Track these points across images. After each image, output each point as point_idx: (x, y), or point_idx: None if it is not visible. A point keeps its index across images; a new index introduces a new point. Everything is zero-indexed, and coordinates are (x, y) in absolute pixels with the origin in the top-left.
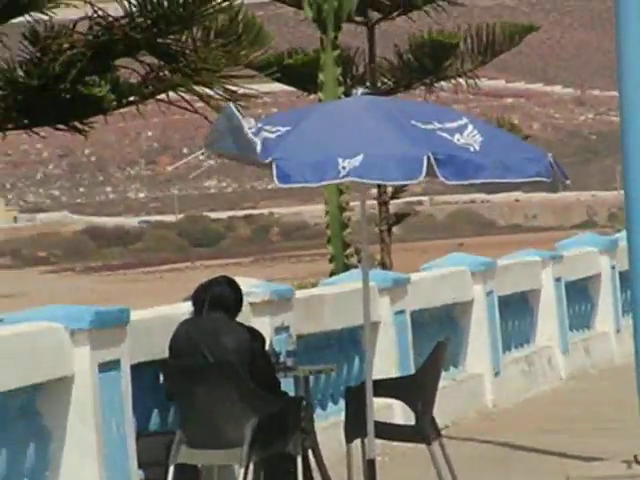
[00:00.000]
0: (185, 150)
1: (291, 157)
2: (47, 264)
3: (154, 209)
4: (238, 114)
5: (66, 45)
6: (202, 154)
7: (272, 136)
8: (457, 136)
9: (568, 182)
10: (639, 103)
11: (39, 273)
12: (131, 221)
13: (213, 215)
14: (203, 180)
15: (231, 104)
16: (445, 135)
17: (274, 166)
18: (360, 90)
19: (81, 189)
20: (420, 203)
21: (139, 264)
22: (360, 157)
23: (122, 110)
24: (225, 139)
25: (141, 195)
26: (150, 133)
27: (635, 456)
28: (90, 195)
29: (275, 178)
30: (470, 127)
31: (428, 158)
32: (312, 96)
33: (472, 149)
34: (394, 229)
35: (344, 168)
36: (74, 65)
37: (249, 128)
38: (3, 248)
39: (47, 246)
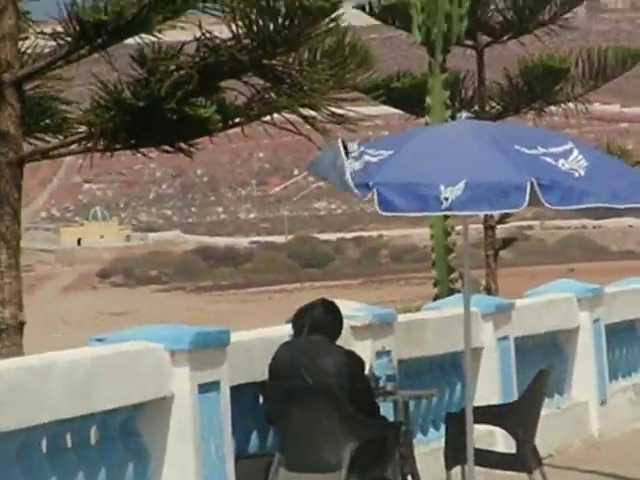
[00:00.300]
0: (296, 172)
1: (393, 182)
2: (158, 283)
3: (264, 230)
4: (344, 155)
5: (173, 67)
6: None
7: (374, 160)
8: (562, 161)
9: None
10: None
11: (150, 292)
12: (241, 241)
13: (322, 237)
14: (312, 201)
15: (339, 140)
16: (549, 160)
17: (375, 192)
18: (465, 114)
19: (193, 209)
20: (531, 227)
21: (248, 284)
22: (462, 184)
23: (231, 132)
24: (328, 171)
25: (251, 216)
26: (261, 154)
27: None
28: (201, 215)
29: (377, 205)
30: (575, 152)
31: (532, 184)
32: (421, 119)
33: (577, 174)
34: (504, 253)
35: (446, 199)
36: (181, 86)
37: (352, 152)
38: (116, 266)
39: (159, 265)
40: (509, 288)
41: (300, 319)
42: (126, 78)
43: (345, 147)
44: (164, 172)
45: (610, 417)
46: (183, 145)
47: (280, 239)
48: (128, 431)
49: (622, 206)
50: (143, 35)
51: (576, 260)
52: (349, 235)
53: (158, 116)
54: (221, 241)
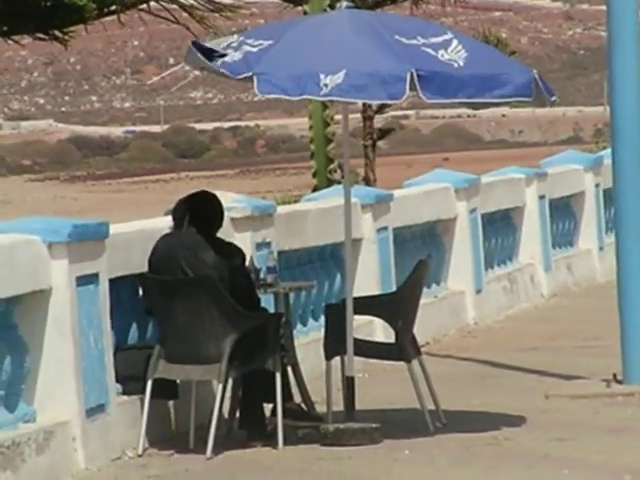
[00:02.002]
0: (171, 60)
1: (273, 71)
2: (32, 172)
3: (139, 119)
4: (200, 55)
5: None
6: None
7: (254, 50)
8: (441, 52)
9: (554, 99)
10: (627, 18)
11: (24, 181)
12: (116, 131)
13: (198, 126)
14: (189, 91)
15: (191, 45)
16: (429, 50)
17: (255, 77)
18: (344, 3)
19: (66, 97)
20: (406, 117)
21: (124, 174)
22: (342, 73)
23: (105, 19)
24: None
25: (126, 105)
26: (136, 42)
27: (614, 374)
28: (75, 104)
29: (255, 88)
30: (455, 42)
31: (411, 74)
32: (299, 8)
33: (456, 65)
34: (379, 143)
35: (326, 85)
36: None
37: (231, 42)
38: None
39: (32, 154)
40: (386, 178)
41: (180, 211)
42: None
43: (203, 51)
44: (36, 60)
45: (485, 305)
46: (57, 33)
47: (156, 128)
48: (5, 324)
49: (497, 101)
50: None
51: (451, 149)
52: (225, 125)
53: (31, 4)
54: (96, 130)
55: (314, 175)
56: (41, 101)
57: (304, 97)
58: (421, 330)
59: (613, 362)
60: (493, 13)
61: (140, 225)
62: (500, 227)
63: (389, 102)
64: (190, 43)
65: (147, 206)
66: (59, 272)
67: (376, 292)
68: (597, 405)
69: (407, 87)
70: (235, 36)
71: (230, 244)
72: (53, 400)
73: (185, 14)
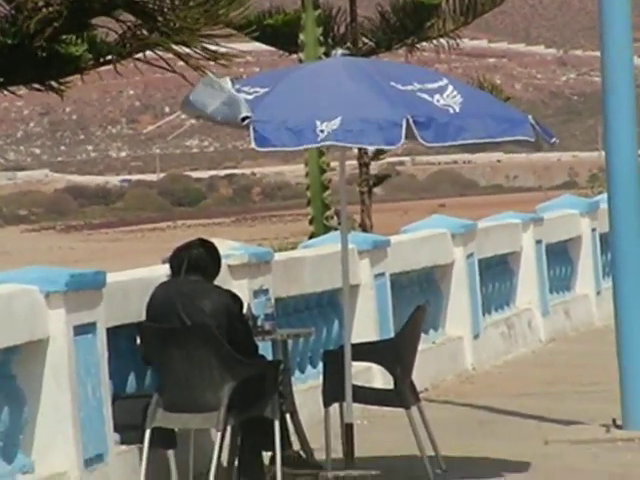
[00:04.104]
0: (167, 109)
1: (268, 120)
2: (28, 223)
3: (135, 168)
4: (217, 79)
5: (41, 3)
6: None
7: (250, 97)
8: (437, 97)
9: (554, 140)
10: (621, 63)
11: (20, 232)
12: (112, 180)
13: (195, 174)
14: (184, 139)
15: (209, 73)
16: (425, 96)
17: (251, 129)
18: (340, 51)
19: (62, 147)
20: (402, 164)
21: (120, 223)
22: (338, 120)
23: (101, 69)
24: (207, 105)
25: (122, 154)
26: (131, 92)
27: (614, 420)
28: (71, 153)
29: (253, 141)
30: (450, 88)
31: (407, 120)
32: (294, 56)
33: (452, 110)
34: (375, 190)
35: (322, 132)
36: (50, 23)
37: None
38: None
39: (28, 204)
40: (383, 224)
41: (177, 259)
42: None
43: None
44: (32, 110)
45: (483, 351)
46: (53, 83)
47: (152, 177)
48: (3, 374)
49: (496, 140)
50: None
51: (446, 195)
52: (221, 173)
53: (27, 54)
54: (92, 180)
55: (311, 222)
56: (37, 151)
57: (302, 147)
58: (419, 376)
59: (612, 407)
60: (487, 59)
61: (137, 274)
62: (497, 272)
63: (385, 148)
64: (207, 75)
65: (144, 255)
66: (56, 322)
67: (374, 338)
68: (597, 450)
69: (403, 133)
70: (229, 83)
71: (228, 291)
72: (51, 450)
73: (181, 62)
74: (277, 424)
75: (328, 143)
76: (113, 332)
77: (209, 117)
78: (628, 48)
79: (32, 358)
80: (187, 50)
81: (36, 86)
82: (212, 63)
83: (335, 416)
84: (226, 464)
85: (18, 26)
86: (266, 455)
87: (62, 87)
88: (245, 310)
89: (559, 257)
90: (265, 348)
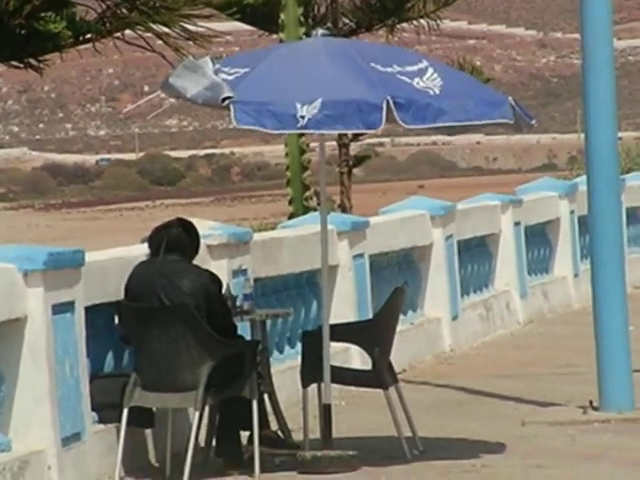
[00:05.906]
0: (146, 88)
1: (249, 100)
2: (5, 200)
3: (114, 147)
4: (198, 61)
5: None
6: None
7: (230, 78)
8: (417, 80)
9: (534, 122)
10: (601, 45)
11: None
12: (91, 159)
13: (174, 154)
14: (164, 119)
15: (189, 56)
16: (405, 79)
17: (232, 107)
18: (320, 31)
19: (40, 125)
20: (381, 145)
21: (99, 202)
22: (318, 102)
23: (80, 47)
24: (186, 87)
25: (101, 132)
26: (111, 70)
27: (590, 401)
28: (50, 132)
29: (233, 119)
30: (430, 70)
31: (387, 102)
32: (274, 36)
33: (432, 92)
34: (355, 171)
35: (303, 117)
36: (29, 0)
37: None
38: None
39: (6, 182)
40: (362, 205)
41: (156, 238)
42: None
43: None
44: (10, 88)
45: (461, 332)
46: (32, 61)
47: (130, 156)
48: None
49: (476, 123)
50: None
51: (425, 176)
52: (201, 152)
53: (6, 31)
54: (70, 158)
55: (290, 202)
56: (15, 129)
57: (282, 132)
58: (398, 357)
59: (589, 389)
60: (467, 41)
61: (116, 253)
62: (476, 254)
63: (366, 132)
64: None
65: (123, 234)
66: (34, 300)
67: (353, 319)
68: (573, 432)
69: (384, 116)
70: (210, 62)
71: (207, 271)
72: (28, 429)
73: (160, 42)
74: (255, 404)
75: (308, 131)
76: (91, 311)
77: (190, 100)
78: (608, 30)
79: (10, 337)
80: (166, 30)
81: (15, 63)
82: (191, 43)
83: (313, 397)
84: (204, 444)
85: None
86: (244, 435)
87: (41, 65)
88: (224, 290)
89: (538, 239)
90: (244, 328)
